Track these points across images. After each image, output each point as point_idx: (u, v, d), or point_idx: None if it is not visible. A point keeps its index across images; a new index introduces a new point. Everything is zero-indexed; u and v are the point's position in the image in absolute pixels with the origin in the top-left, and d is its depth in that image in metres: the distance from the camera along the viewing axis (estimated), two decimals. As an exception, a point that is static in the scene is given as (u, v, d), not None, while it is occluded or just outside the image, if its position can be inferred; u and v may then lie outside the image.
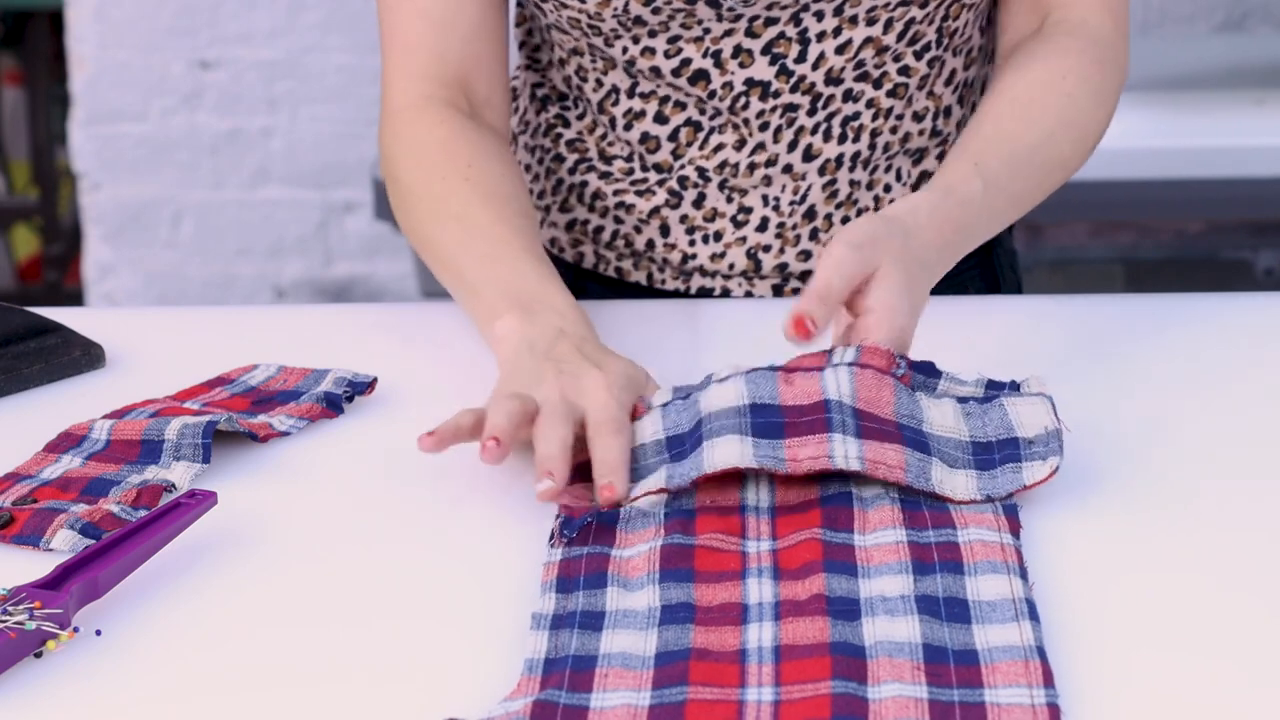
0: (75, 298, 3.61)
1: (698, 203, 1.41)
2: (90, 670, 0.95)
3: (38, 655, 0.95)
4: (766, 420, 1.09)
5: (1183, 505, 1.09)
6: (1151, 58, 2.69)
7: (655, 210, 1.42)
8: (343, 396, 1.23)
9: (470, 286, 1.27)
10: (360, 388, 1.24)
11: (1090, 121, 1.35)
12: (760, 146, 1.38)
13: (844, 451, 1.06)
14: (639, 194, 1.42)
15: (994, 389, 1.14)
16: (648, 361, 1.25)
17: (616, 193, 1.43)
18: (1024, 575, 0.98)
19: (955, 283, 1.46)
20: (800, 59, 1.35)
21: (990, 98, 1.32)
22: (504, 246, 1.27)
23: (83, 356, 1.31)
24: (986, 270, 1.49)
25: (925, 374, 1.14)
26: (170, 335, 1.38)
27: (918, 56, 1.38)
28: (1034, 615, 0.94)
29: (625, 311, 1.39)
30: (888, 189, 1.41)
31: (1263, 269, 2.63)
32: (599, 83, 1.40)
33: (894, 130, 1.40)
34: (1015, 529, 1.04)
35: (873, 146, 1.40)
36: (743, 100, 1.37)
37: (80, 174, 3.29)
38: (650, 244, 1.44)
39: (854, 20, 1.34)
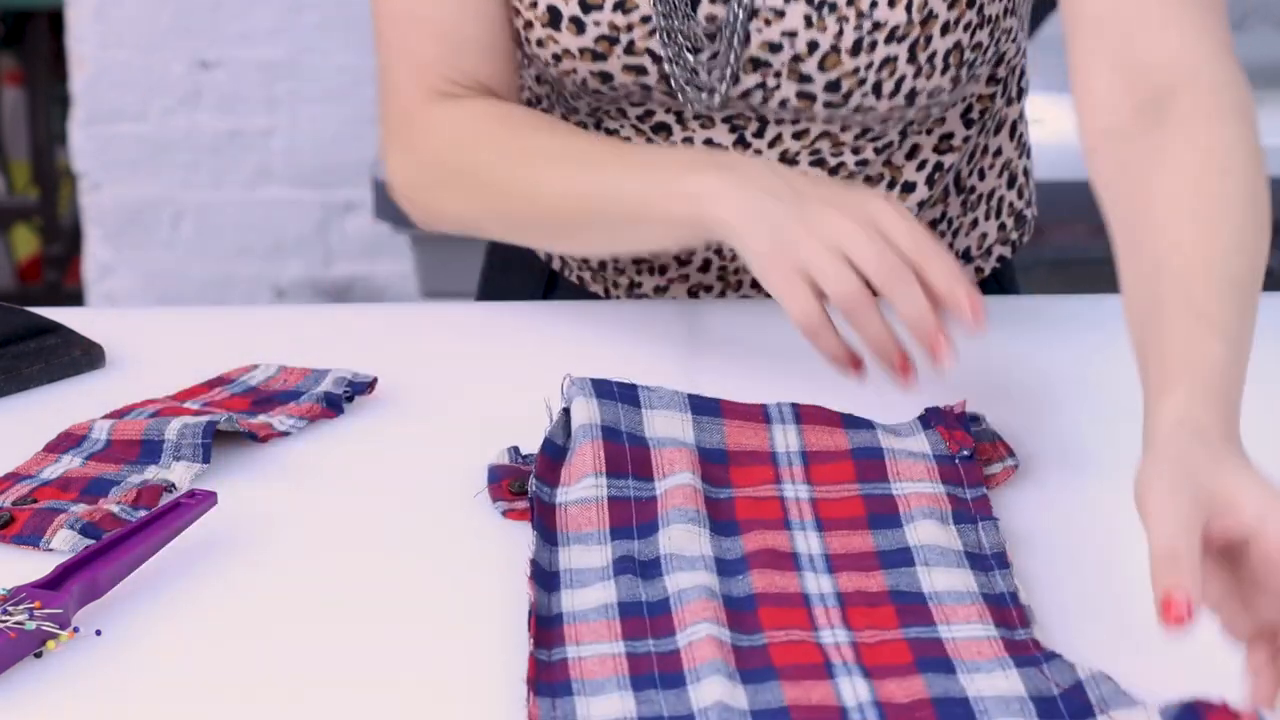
0: (75, 298, 3.60)
1: None
2: (90, 670, 0.95)
3: (38, 655, 0.95)
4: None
5: (1183, 505, 1.09)
6: (1151, 58, 2.68)
7: None
8: (343, 396, 1.23)
9: (614, 183, 1.21)
10: (360, 388, 1.24)
11: (1255, 179, 1.09)
12: None
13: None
14: None
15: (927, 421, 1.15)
16: (645, 362, 1.25)
17: None
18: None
19: None
20: (758, 134, 1.32)
21: (1147, 221, 1.08)
22: (611, 147, 1.24)
23: (83, 356, 1.30)
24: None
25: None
26: (170, 335, 1.38)
27: (877, 152, 1.35)
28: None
29: (623, 312, 1.39)
30: None
31: (1263, 269, 2.62)
32: (564, 116, 1.39)
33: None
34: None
35: None
36: None
37: (80, 174, 3.29)
38: (602, 265, 1.43)
39: (812, 117, 1.31)
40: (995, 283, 1.46)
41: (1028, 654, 0.92)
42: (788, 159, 1.33)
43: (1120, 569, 1.02)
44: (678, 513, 1.03)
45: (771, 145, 1.33)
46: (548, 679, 0.92)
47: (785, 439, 1.10)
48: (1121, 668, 0.92)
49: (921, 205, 1.38)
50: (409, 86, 1.33)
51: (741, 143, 1.33)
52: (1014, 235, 1.46)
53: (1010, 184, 1.44)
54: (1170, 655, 0.94)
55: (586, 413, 1.09)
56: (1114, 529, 1.06)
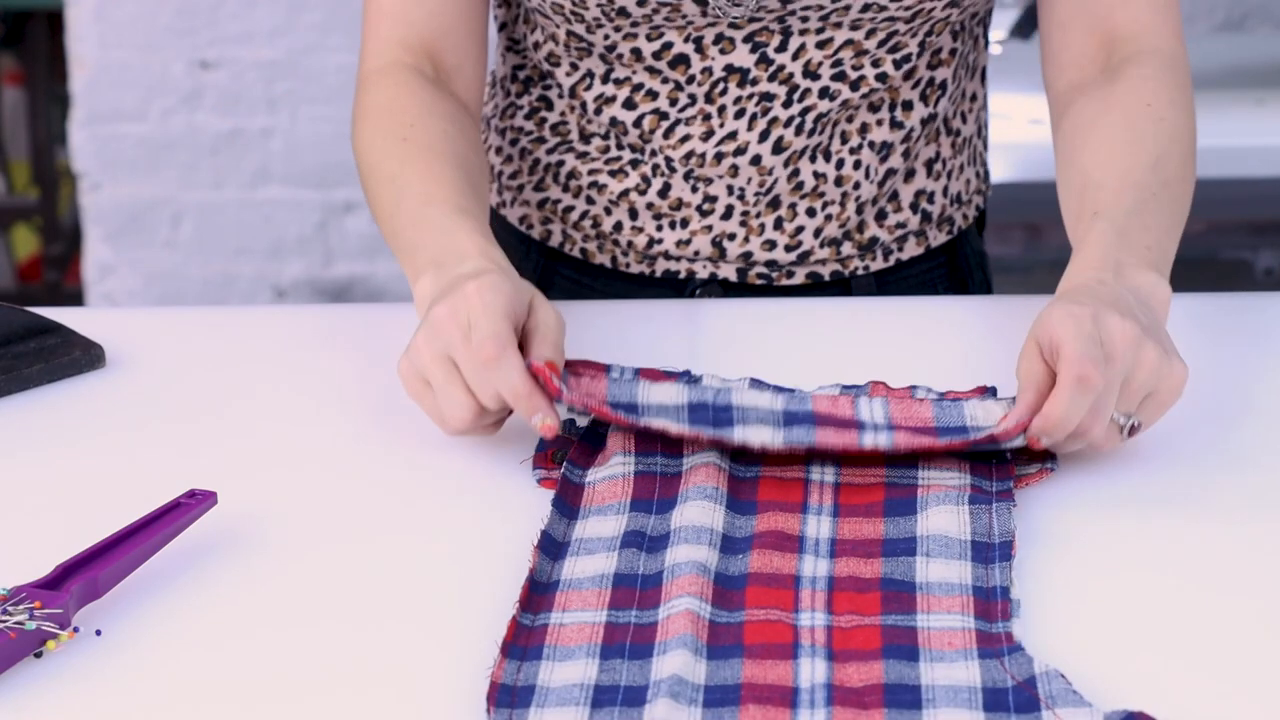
0: (75, 298, 3.60)
1: (663, 192, 1.42)
2: (90, 670, 0.95)
3: (38, 655, 0.95)
4: (800, 417, 1.12)
5: (1182, 505, 1.09)
6: (1151, 58, 2.68)
7: (625, 193, 1.43)
8: None
9: (401, 251, 1.28)
10: None
11: (1186, 135, 1.32)
12: (731, 135, 1.39)
13: (874, 441, 1.10)
14: (612, 174, 1.43)
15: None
16: (645, 362, 1.25)
17: (591, 172, 1.44)
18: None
19: (924, 281, 1.46)
20: (781, 48, 1.36)
21: (1085, 147, 1.31)
22: (429, 206, 1.28)
23: (83, 356, 1.30)
24: (954, 270, 1.49)
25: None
26: (170, 335, 1.38)
27: (896, 65, 1.38)
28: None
29: (623, 311, 1.39)
30: (857, 186, 1.41)
31: (1263, 269, 2.62)
32: (573, 66, 1.41)
33: (850, 119, 1.40)
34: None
35: (831, 137, 1.40)
36: (720, 86, 1.37)
37: (80, 174, 3.29)
38: (618, 226, 1.44)
39: (838, 25, 1.35)
40: (966, 242, 1.50)
41: (995, 646, 0.92)
42: (810, 71, 1.37)
43: (1120, 570, 1.02)
44: (697, 490, 1.06)
45: (795, 57, 1.36)
46: (524, 643, 0.94)
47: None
48: (1120, 669, 0.92)
49: (924, 123, 1.42)
50: (369, 44, 1.44)
51: (764, 60, 1.36)
52: (983, 187, 1.52)
53: (979, 132, 1.51)
54: (1170, 657, 0.94)
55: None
56: (1115, 530, 1.07)
